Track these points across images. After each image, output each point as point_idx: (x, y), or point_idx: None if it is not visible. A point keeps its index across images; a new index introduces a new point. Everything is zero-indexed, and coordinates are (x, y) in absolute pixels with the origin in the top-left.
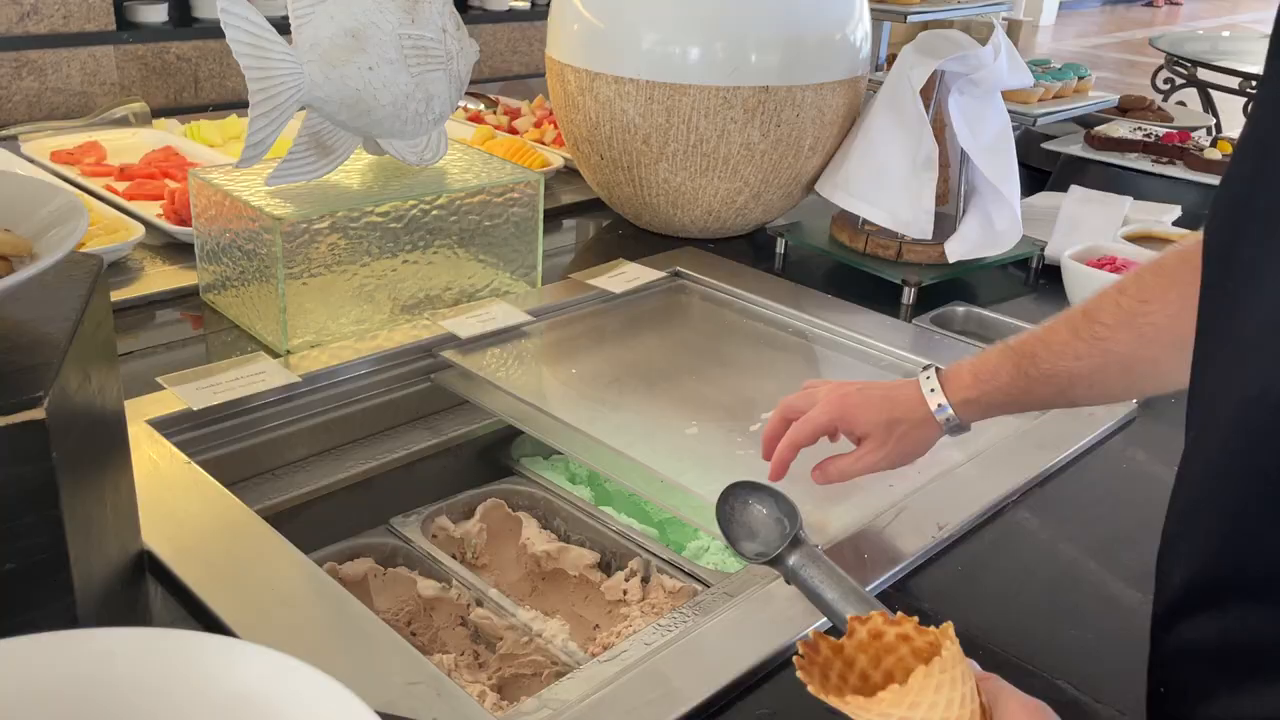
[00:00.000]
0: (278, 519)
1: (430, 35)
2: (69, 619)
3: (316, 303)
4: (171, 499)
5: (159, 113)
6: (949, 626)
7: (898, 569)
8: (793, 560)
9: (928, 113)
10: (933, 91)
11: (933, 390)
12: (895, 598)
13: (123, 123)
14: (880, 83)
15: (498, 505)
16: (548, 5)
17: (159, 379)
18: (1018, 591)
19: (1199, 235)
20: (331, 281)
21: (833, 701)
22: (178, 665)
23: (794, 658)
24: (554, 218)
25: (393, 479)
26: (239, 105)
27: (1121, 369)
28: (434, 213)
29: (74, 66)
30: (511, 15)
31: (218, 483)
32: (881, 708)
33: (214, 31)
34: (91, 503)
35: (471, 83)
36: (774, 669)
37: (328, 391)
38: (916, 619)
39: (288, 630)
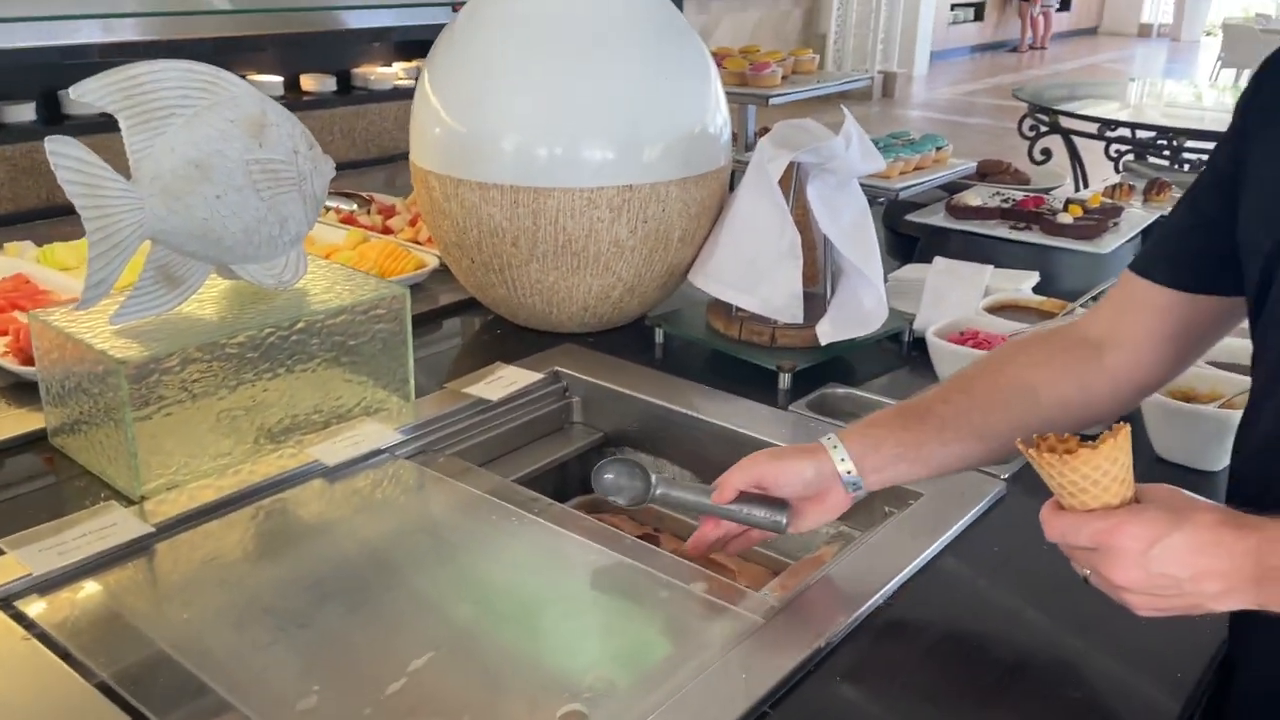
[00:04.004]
0: (142, 680)
1: (280, 158)
2: None
3: (173, 441)
4: (4, 685)
5: (31, 216)
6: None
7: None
8: (659, 492)
9: (789, 201)
10: (790, 180)
11: (831, 443)
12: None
13: None
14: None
15: None
16: None
17: None
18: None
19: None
20: (188, 417)
21: (1031, 455)
22: None
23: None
24: (433, 319)
25: None
26: None
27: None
28: (294, 337)
29: None
30: (397, 94)
31: (57, 659)
32: (1076, 463)
33: (87, 128)
34: None
35: (360, 164)
36: None
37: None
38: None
39: None
